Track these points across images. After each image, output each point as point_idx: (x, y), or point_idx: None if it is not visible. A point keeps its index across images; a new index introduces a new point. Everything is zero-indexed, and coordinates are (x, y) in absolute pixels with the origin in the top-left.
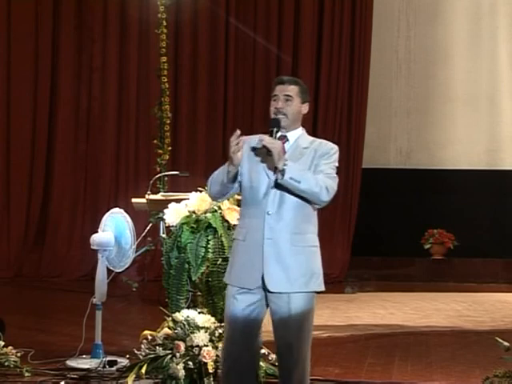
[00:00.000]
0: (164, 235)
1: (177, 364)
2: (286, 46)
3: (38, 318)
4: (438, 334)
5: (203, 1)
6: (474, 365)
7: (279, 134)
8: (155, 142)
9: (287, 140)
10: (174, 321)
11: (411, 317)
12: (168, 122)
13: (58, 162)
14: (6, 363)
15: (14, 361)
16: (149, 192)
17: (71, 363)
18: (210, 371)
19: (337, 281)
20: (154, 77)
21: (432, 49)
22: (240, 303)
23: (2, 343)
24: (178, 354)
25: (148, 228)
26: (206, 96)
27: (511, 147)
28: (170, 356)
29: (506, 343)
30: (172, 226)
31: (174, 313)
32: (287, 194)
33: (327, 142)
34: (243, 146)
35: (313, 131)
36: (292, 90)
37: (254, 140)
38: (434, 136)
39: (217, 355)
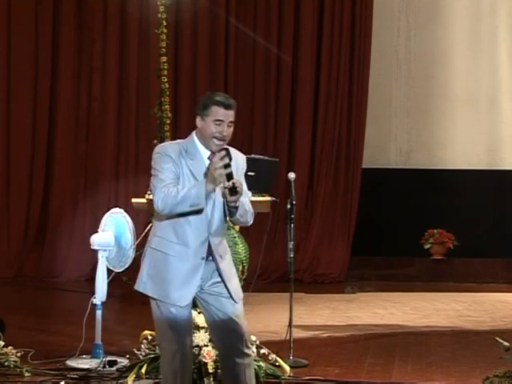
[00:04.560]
0: None
1: None
2: (286, 46)
3: (38, 317)
4: (438, 333)
5: (203, 1)
6: (474, 365)
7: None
8: (155, 142)
9: None
10: None
11: (411, 317)
12: (168, 122)
13: (57, 162)
14: (6, 363)
15: (14, 361)
16: (149, 192)
17: (71, 363)
18: (210, 371)
19: (337, 281)
20: (154, 77)
21: (432, 49)
22: (175, 312)
23: (2, 343)
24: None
25: (148, 228)
26: None
27: (511, 147)
28: None
29: (506, 343)
30: None
31: None
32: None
33: (238, 152)
34: (172, 154)
35: (313, 131)
36: (233, 115)
37: (181, 147)
38: (434, 136)
39: (216, 355)
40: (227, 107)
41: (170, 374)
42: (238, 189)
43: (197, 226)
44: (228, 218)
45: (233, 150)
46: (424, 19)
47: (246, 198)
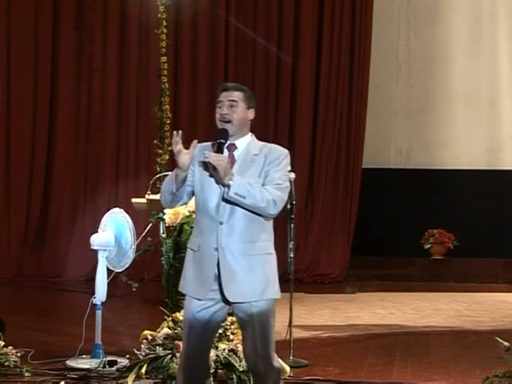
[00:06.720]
0: (164, 235)
1: (177, 364)
2: (286, 46)
3: (37, 317)
4: (438, 334)
5: (203, 1)
6: (474, 365)
7: (228, 143)
8: (155, 142)
9: (236, 148)
10: (173, 321)
11: (411, 317)
12: (168, 122)
13: (57, 162)
14: (6, 363)
15: (14, 361)
16: (149, 192)
17: (71, 363)
18: (210, 371)
19: (337, 281)
20: (154, 77)
21: (432, 49)
22: (197, 307)
23: (2, 343)
24: (177, 354)
25: (148, 228)
26: (206, 96)
27: (511, 147)
28: (169, 356)
29: (506, 343)
30: (172, 226)
31: (174, 313)
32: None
33: (277, 146)
34: (195, 151)
35: (313, 131)
36: (237, 95)
37: (207, 147)
38: (434, 136)
39: (217, 355)
40: (225, 89)
41: (181, 377)
42: (215, 164)
43: (208, 216)
44: (225, 196)
45: (261, 143)
46: (424, 19)
47: (269, 186)
